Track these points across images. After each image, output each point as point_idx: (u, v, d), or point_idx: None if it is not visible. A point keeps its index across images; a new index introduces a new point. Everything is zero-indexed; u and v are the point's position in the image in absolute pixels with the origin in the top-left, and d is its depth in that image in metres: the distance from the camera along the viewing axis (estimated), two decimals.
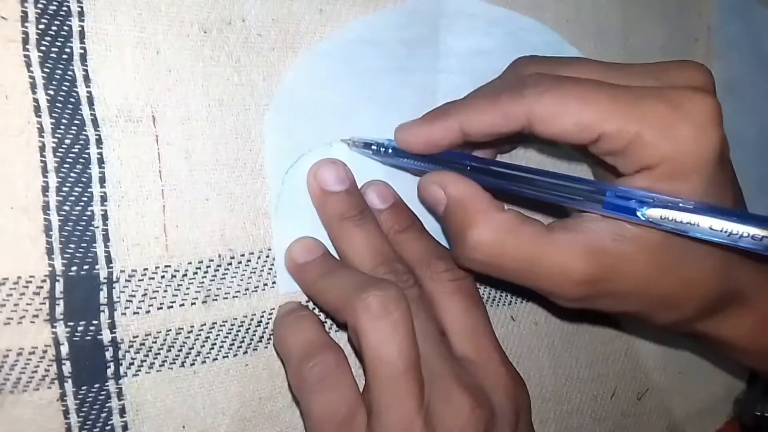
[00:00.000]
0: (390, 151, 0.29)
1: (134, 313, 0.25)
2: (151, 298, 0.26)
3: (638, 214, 0.23)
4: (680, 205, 0.22)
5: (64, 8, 0.24)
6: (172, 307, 0.26)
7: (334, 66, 0.29)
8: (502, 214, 0.26)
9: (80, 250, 0.24)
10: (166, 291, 0.26)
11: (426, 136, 0.27)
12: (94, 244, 0.24)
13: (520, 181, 0.26)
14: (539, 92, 0.24)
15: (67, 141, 0.24)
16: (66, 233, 0.24)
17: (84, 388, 0.25)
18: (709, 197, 0.23)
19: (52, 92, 0.24)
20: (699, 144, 0.23)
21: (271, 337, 0.28)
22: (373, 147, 0.29)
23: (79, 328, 0.24)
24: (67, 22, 0.24)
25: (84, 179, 0.24)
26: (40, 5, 0.23)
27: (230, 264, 0.27)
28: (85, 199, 0.24)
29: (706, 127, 0.23)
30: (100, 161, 0.25)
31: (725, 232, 0.22)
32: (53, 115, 0.24)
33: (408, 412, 0.24)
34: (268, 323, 0.28)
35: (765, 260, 0.26)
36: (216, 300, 0.27)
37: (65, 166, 0.24)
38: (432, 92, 0.31)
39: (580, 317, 0.37)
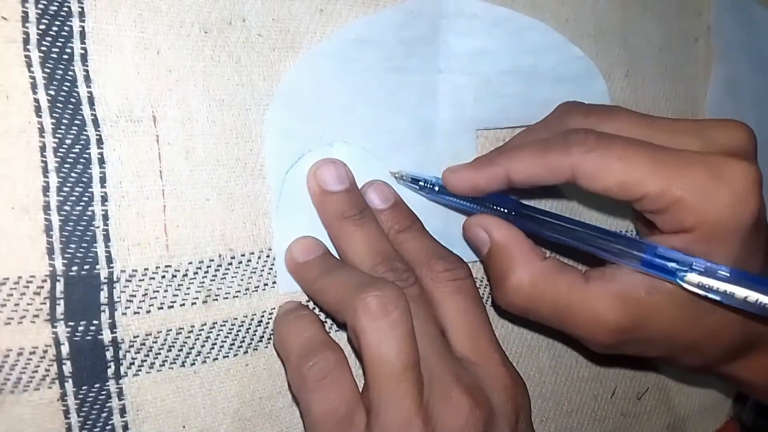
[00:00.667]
0: (437, 188, 0.30)
1: (135, 313, 0.25)
2: (151, 298, 0.26)
3: (677, 279, 0.24)
4: (718, 273, 0.24)
5: (65, 9, 0.24)
6: (172, 307, 0.26)
7: (333, 66, 0.29)
8: (542, 261, 0.27)
9: (81, 250, 0.24)
10: (166, 291, 0.26)
11: (472, 180, 0.28)
12: (94, 244, 0.25)
13: (562, 231, 0.27)
14: (585, 150, 0.25)
15: (68, 141, 0.24)
16: (66, 233, 0.24)
17: (84, 387, 0.25)
18: (741, 262, 0.25)
19: (52, 92, 0.24)
20: (737, 212, 0.24)
21: (272, 336, 0.29)
22: (421, 183, 0.30)
23: (80, 328, 0.24)
24: (68, 23, 0.24)
25: (84, 179, 0.24)
26: (40, 6, 0.23)
27: (230, 264, 0.28)
28: (86, 199, 0.24)
29: (745, 195, 0.24)
30: (101, 161, 0.25)
31: (759, 303, 0.23)
32: (54, 115, 0.24)
33: (407, 412, 0.24)
34: (268, 323, 0.28)
35: None
36: (216, 300, 0.27)
37: (66, 166, 0.24)
38: (433, 93, 0.31)
39: None
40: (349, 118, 0.30)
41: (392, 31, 0.30)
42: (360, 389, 0.26)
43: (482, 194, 0.29)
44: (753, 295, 0.23)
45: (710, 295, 0.24)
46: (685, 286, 0.24)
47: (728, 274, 0.23)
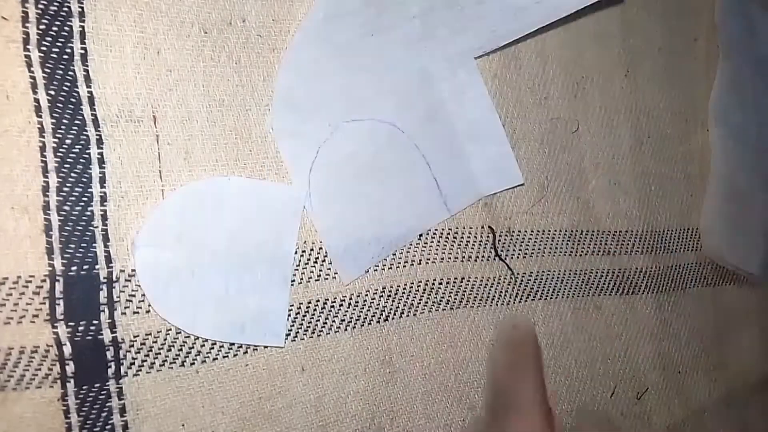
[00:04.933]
0: None
1: (134, 312, 0.25)
2: None
3: None
4: None
5: (65, 9, 0.24)
6: None
7: (315, 52, 0.28)
8: None
9: (80, 250, 0.24)
10: None
11: None
12: (93, 244, 0.25)
13: None
14: None
15: (68, 141, 0.24)
16: (66, 233, 0.24)
17: (85, 387, 0.25)
18: None
19: (53, 92, 0.24)
20: None
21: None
22: None
23: (80, 328, 0.24)
24: (68, 23, 0.24)
25: (84, 179, 0.24)
26: (41, 6, 0.23)
27: None
28: (85, 199, 0.24)
29: None
30: (101, 161, 0.25)
31: None
32: (54, 115, 0.24)
33: None
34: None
35: None
36: None
37: (66, 166, 0.24)
38: (416, 40, 0.31)
39: (578, 316, 0.37)
40: (348, 96, 0.29)
41: None
42: None
43: None
44: None
45: None
46: None
47: None
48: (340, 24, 0.29)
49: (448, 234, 0.33)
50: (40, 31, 0.23)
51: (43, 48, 0.23)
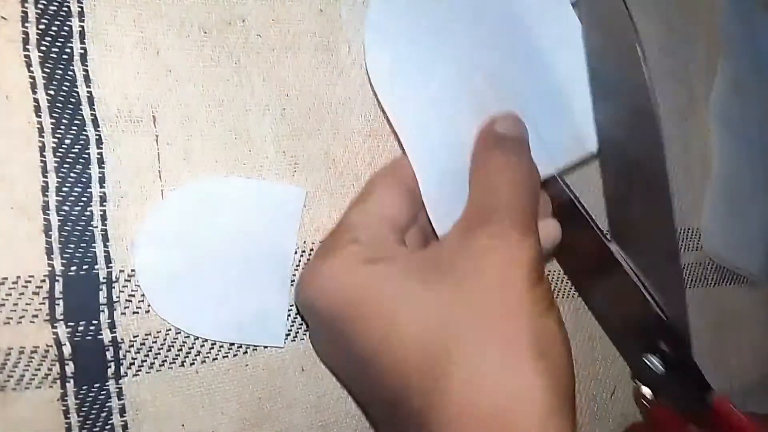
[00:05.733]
0: None
1: (134, 312, 0.25)
2: None
3: None
4: None
5: (65, 8, 0.24)
6: None
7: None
8: None
9: (80, 250, 0.24)
10: None
11: None
12: (93, 244, 0.25)
13: None
14: None
15: (68, 141, 0.24)
16: (65, 233, 0.24)
17: (84, 387, 0.25)
18: None
19: (52, 92, 0.24)
20: None
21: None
22: None
23: (80, 328, 0.24)
24: (68, 23, 0.24)
25: (84, 179, 0.24)
26: (40, 6, 0.23)
27: None
28: (85, 199, 0.24)
29: None
30: (100, 161, 0.25)
31: None
32: (53, 115, 0.24)
33: None
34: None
35: None
36: None
37: (65, 166, 0.24)
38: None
39: (578, 316, 0.37)
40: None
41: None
42: None
43: None
44: None
45: None
46: None
47: None
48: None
49: None
50: (40, 31, 0.23)
51: (43, 48, 0.23)
